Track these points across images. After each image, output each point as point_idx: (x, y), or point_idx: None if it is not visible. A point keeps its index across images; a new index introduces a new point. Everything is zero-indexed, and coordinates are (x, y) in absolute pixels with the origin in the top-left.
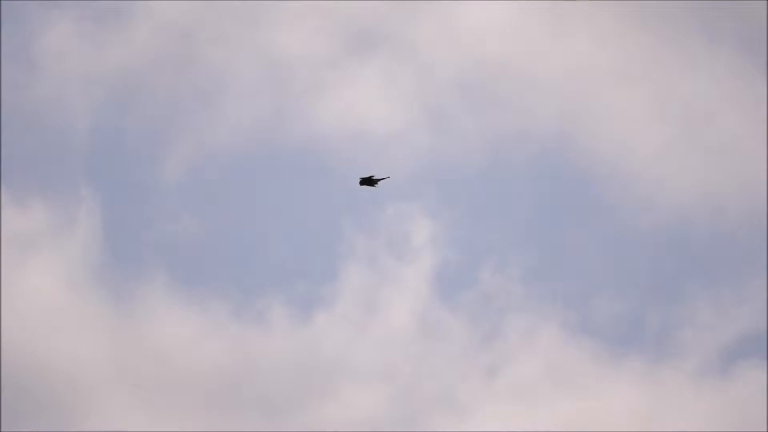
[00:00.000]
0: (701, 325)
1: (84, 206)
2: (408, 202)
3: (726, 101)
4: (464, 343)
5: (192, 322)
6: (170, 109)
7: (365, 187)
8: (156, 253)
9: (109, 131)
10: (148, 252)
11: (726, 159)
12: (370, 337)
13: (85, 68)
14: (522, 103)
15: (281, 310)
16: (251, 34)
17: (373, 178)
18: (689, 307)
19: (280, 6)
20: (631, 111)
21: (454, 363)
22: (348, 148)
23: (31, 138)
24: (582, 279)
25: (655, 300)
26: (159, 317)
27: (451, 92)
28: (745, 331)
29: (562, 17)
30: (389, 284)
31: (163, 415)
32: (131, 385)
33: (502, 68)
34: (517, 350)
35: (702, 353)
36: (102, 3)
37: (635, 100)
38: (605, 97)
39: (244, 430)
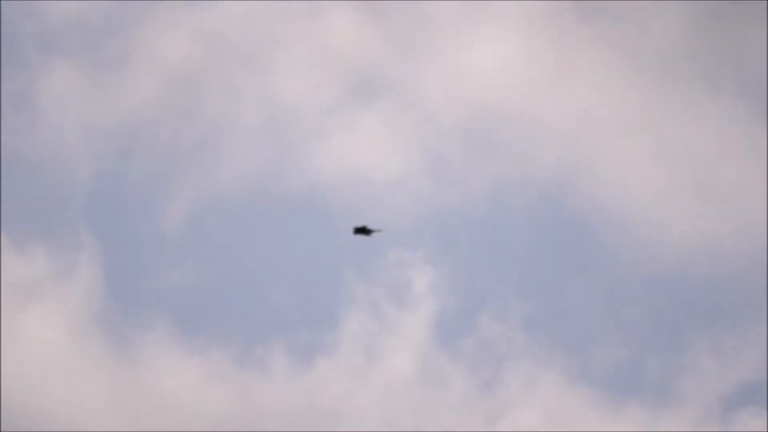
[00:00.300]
0: (701, 372)
1: (85, 253)
2: (408, 250)
3: (726, 148)
4: (464, 391)
5: (193, 369)
6: (171, 156)
7: (360, 235)
8: (157, 300)
9: (109, 178)
10: (149, 299)
11: (726, 205)
12: (370, 384)
13: (86, 115)
14: (523, 150)
15: (282, 358)
16: (252, 81)
17: (367, 228)
18: (689, 354)
19: (281, 53)
20: (631, 158)
21: (455, 410)
22: (349, 194)
23: (31, 185)
24: (582, 326)
25: (655, 347)
26: (160, 364)
27: (452, 139)
28: (745, 379)
29: (563, 65)
30: (390, 332)
31: None
32: (133, 430)
33: (503, 115)
34: (517, 397)
35: (702, 401)
36: (103, 51)
37: (635, 146)
38: (606, 143)
39: None
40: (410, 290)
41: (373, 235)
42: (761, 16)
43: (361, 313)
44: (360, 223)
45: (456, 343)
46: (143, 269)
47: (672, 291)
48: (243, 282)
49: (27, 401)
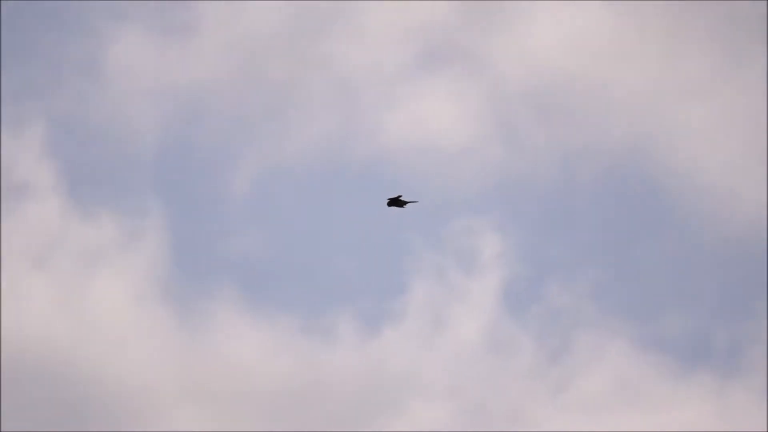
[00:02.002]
0: None
1: (151, 219)
2: (476, 217)
3: None
4: (533, 359)
5: (260, 336)
6: (238, 122)
7: (397, 206)
8: (223, 267)
9: (176, 144)
10: (215, 266)
11: None
12: (437, 352)
13: (153, 81)
14: (593, 117)
15: (349, 325)
16: (320, 48)
17: (401, 199)
18: (760, 322)
19: (348, 20)
20: (702, 125)
21: (522, 378)
22: (416, 162)
23: (98, 151)
24: (652, 293)
25: (726, 315)
26: (226, 331)
27: (521, 107)
28: None
29: (634, 32)
30: (457, 299)
31: (230, 427)
32: (199, 400)
33: (573, 83)
34: (586, 365)
35: None
36: (170, 17)
37: (707, 114)
38: (677, 111)
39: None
40: (478, 258)
41: (407, 206)
42: None
43: (428, 280)
44: (392, 195)
45: (524, 311)
46: (209, 236)
47: (743, 259)
48: (309, 249)
49: (95, 368)
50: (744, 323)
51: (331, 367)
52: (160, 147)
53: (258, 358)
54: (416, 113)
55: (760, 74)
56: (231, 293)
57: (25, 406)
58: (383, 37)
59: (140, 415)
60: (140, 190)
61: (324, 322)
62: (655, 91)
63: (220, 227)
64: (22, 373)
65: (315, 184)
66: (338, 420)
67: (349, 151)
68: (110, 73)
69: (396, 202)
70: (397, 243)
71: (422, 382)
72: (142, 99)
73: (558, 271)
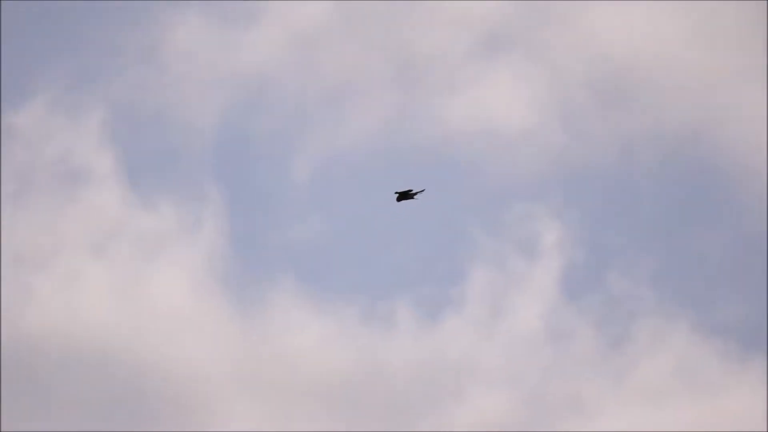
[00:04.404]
0: None
1: (210, 207)
2: (536, 203)
3: None
4: (592, 346)
5: (318, 325)
6: (298, 110)
7: (408, 200)
8: (283, 255)
9: (236, 132)
10: (274, 254)
11: None
12: (497, 339)
13: (213, 68)
14: (653, 103)
15: (407, 313)
16: (382, 35)
17: (411, 192)
18: None
19: (410, 6)
20: (763, 109)
21: (582, 366)
22: (478, 147)
23: (157, 138)
24: (712, 279)
25: None
26: (285, 321)
27: (582, 92)
28: None
29: (693, 16)
30: (516, 286)
31: (288, 418)
32: (256, 389)
33: (633, 68)
34: (646, 352)
35: None
36: (231, 4)
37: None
38: (738, 95)
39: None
40: (537, 244)
41: (417, 197)
42: None
43: (488, 267)
44: (400, 189)
45: (584, 298)
46: (269, 224)
47: None
48: (369, 237)
49: (152, 357)
50: None
51: (390, 355)
52: (220, 134)
53: (317, 347)
54: (477, 99)
55: None
56: (290, 282)
57: (82, 395)
58: (445, 23)
59: (198, 405)
60: (200, 177)
61: (383, 310)
62: (715, 75)
63: (279, 215)
64: (79, 362)
65: (375, 170)
66: (397, 408)
67: (409, 137)
68: (170, 60)
69: (406, 195)
70: (456, 229)
71: (481, 370)
72: (202, 86)
73: (618, 257)
